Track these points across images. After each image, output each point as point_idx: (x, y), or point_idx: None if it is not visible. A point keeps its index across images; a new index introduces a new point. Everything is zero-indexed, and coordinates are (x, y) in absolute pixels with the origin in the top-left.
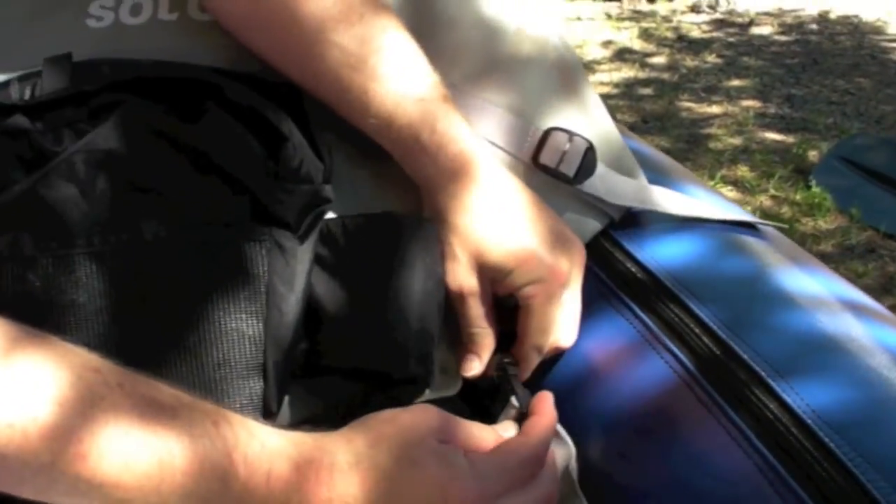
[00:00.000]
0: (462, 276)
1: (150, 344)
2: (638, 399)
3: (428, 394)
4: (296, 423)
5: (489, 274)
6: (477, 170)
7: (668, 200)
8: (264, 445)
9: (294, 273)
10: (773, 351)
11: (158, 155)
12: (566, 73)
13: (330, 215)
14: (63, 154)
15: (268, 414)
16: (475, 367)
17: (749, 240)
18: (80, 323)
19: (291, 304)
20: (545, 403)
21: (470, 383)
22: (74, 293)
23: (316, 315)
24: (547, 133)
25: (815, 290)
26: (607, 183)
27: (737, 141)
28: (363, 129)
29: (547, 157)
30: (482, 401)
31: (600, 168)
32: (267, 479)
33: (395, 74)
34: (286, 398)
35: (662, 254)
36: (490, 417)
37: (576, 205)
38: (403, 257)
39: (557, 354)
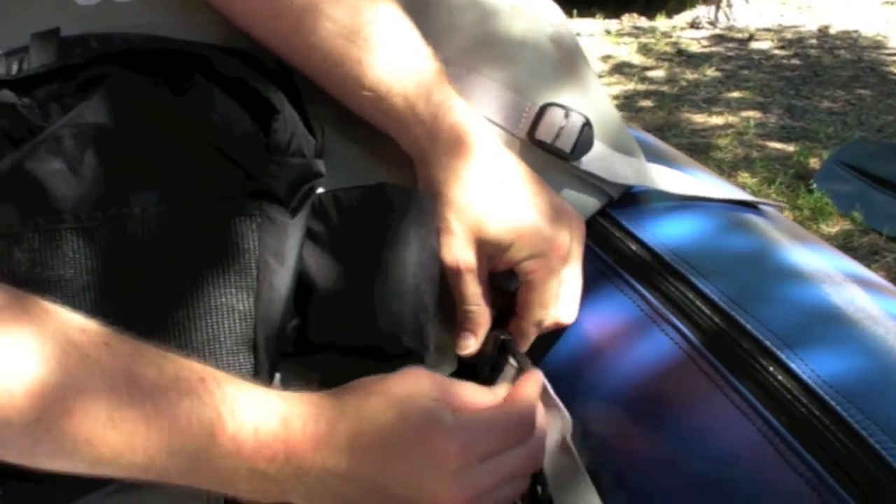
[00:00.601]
0: (458, 252)
1: (138, 320)
2: (641, 374)
3: None
4: None
5: (487, 249)
6: (473, 142)
7: (667, 180)
8: (252, 400)
9: (285, 247)
10: (778, 322)
11: (147, 128)
12: (563, 49)
13: (322, 190)
14: (50, 128)
15: None
16: (471, 344)
17: (750, 218)
18: (67, 298)
19: (283, 278)
20: (534, 372)
21: (467, 363)
22: (61, 268)
23: (308, 290)
24: (543, 109)
25: (819, 264)
26: (605, 160)
27: (738, 150)
28: (356, 103)
29: (543, 133)
30: (479, 380)
31: (598, 146)
32: (255, 433)
33: (388, 46)
34: (278, 376)
35: (663, 232)
36: None
37: (573, 182)
38: (397, 229)
39: (558, 332)
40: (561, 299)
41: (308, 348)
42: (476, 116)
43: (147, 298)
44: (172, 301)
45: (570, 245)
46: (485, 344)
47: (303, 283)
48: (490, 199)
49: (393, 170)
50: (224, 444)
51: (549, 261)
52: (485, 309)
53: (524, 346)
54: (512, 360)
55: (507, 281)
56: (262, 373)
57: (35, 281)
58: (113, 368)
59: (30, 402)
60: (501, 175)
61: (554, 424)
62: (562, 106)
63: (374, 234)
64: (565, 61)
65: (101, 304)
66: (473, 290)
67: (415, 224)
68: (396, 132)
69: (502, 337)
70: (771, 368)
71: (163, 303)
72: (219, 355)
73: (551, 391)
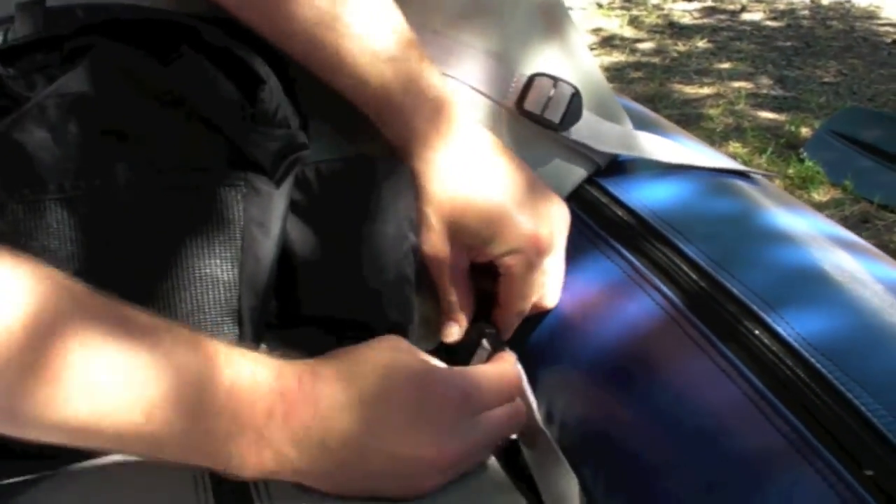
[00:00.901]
0: (437, 245)
1: (123, 290)
2: (625, 337)
3: None
4: None
5: (465, 241)
6: (453, 133)
7: (655, 147)
8: (245, 356)
9: (270, 218)
10: (762, 284)
11: (131, 98)
12: (550, 18)
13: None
14: (35, 99)
15: None
16: (454, 332)
17: (737, 184)
18: None
19: (267, 249)
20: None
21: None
22: (45, 239)
23: (291, 263)
24: (531, 79)
25: (804, 228)
26: (593, 129)
27: (729, 119)
28: (338, 88)
29: (532, 104)
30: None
31: (586, 114)
32: (251, 384)
33: (368, 33)
34: (263, 348)
35: (649, 198)
36: None
37: (561, 151)
38: (378, 201)
39: None
40: (542, 290)
41: (292, 321)
42: (459, 102)
43: (131, 269)
44: (156, 271)
45: (552, 236)
46: (468, 332)
47: (286, 255)
48: (469, 192)
49: (377, 141)
50: (221, 396)
51: (528, 255)
52: (466, 299)
53: (507, 335)
54: (485, 343)
55: (488, 273)
56: (246, 343)
57: (18, 251)
58: (105, 324)
59: (18, 354)
60: (482, 167)
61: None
62: (550, 76)
63: (354, 207)
64: (552, 29)
65: (85, 275)
66: (453, 282)
67: (393, 195)
68: (376, 119)
69: (487, 330)
70: (756, 331)
71: (147, 273)
72: (203, 325)
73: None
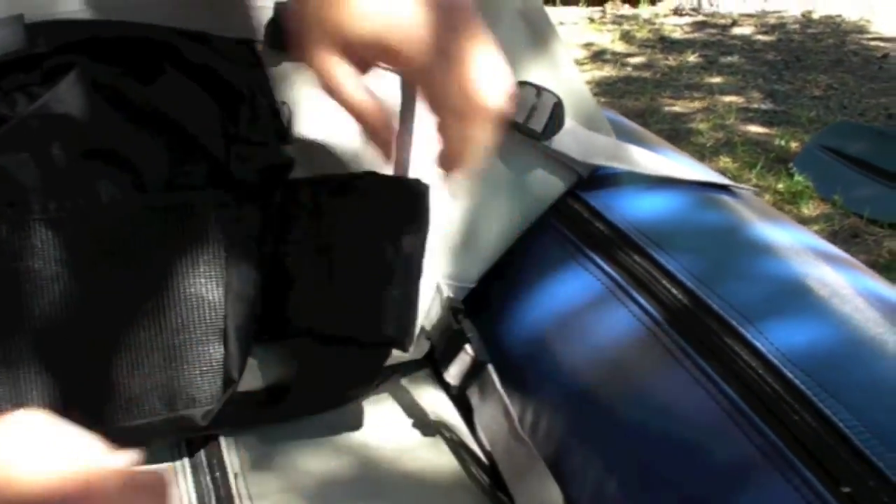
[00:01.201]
0: (326, 63)
1: (108, 310)
2: (603, 351)
3: (395, 357)
4: (264, 389)
5: (358, 53)
6: None
7: (638, 160)
8: None
9: (254, 236)
10: (742, 298)
11: (114, 117)
12: (534, 28)
13: (298, 175)
14: (16, 118)
15: (229, 381)
16: (386, 151)
17: (720, 198)
18: (36, 290)
19: (252, 268)
20: None
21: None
22: (30, 259)
23: (286, 277)
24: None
25: (787, 242)
26: (576, 140)
27: (719, 134)
28: None
29: (514, 113)
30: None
31: (569, 124)
32: None
33: None
34: (255, 363)
35: (631, 210)
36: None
37: (543, 162)
38: (387, 220)
39: (522, 310)
40: (473, 85)
41: (285, 334)
42: None
43: (116, 289)
44: (142, 291)
45: (458, 33)
46: (451, 341)
47: (281, 269)
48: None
49: (364, 154)
50: None
51: (433, 59)
52: (377, 111)
53: (459, 158)
54: (468, 349)
55: None
56: (231, 363)
57: (3, 272)
58: None
59: None
60: None
61: (500, 415)
62: (533, 85)
63: (359, 223)
64: (535, 38)
65: (70, 295)
66: (356, 97)
67: (406, 215)
68: None
69: (457, 327)
70: (731, 343)
71: (132, 293)
72: (188, 345)
73: (496, 382)
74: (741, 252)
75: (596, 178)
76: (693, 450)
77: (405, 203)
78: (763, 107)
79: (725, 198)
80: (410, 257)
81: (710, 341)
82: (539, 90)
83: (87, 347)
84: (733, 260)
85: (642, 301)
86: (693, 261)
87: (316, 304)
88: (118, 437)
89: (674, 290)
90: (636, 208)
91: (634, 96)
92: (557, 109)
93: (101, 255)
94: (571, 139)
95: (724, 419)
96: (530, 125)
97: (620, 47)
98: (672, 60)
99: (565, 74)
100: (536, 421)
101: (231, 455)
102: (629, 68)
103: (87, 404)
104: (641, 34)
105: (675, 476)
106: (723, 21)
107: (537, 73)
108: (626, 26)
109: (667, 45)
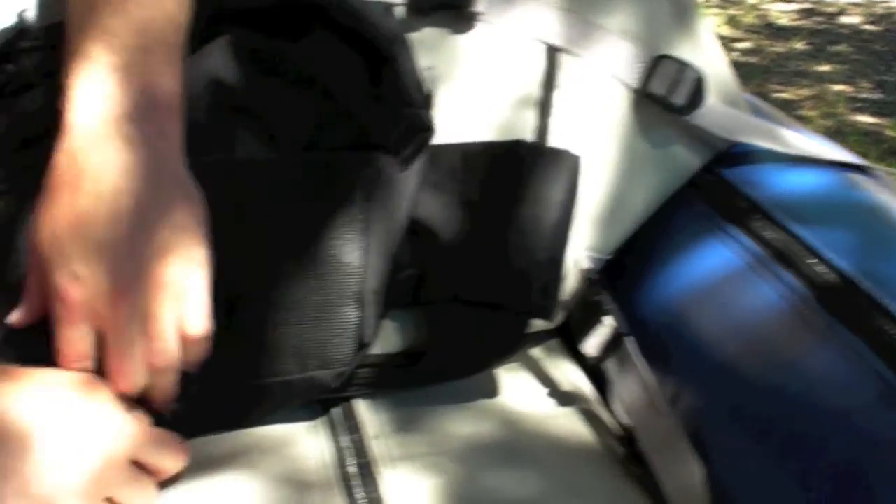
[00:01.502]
0: None
1: (242, 270)
2: (746, 324)
3: (533, 325)
4: (401, 352)
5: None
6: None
7: (777, 137)
8: None
9: (395, 200)
10: (892, 277)
11: (258, 77)
12: (677, 3)
13: (443, 141)
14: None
15: (362, 344)
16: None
17: (859, 177)
18: None
19: (392, 231)
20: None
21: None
22: None
23: (431, 242)
24: (657, 61)
25: None
26: (716, 116)
27: (829, 122)
28: None
29: (657, 86)
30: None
31: (709, 100)
32: None
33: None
34: (392, 326)
35: (771, 187)
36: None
37: (683, 136)
38: (537, 188)
39: (660, 285)
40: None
41: (429, 298)
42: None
43: (251, 246)
44: (277, 252)
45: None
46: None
47: (425, 234)
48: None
49: (506, 121)
50: None
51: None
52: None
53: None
54: (607, 321)
55: None
56: (366, 326)
57: None
58: None
59: None
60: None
61: (640, 388)
62: (676, 59)
63: (509, 191)
64: (679, 14)
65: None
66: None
67: (556, 183)
68: None
69: (595, 298)
70: (884, 325)
71: (267, 251)
72: (324, 307)
73: (637, 354)
74: (887, 231)
75: (734, 155)
76: (843, 420)
77: (559, 171)
78: (872, 97)
79: (867, 179)
80: (559, 226)
81: (859, 319)
82: (682, 64)
83: (219, 304)
84: (879, 238)
85: (787, 276)
86: (838, 238)
87: (463, 269)
88: (249, 397)
89: (820, 268)
90: (776, 184)
91: (743, 81)
92: (699, 85)
93: (238, 211)
94: (712, 115)
95: (875, 396)
96: (672, 99)
97: (726, 31)
98: (779, 47)
99: (708, 51)
100: (676, 395)
101: (367, 417)
102: (736, 53)
103: (219, 362)
104: (748, 19)
105: (825, 444)
106: (830, 9)
107: (680, 48)
108: (731, 11)
109: (773, 31)
